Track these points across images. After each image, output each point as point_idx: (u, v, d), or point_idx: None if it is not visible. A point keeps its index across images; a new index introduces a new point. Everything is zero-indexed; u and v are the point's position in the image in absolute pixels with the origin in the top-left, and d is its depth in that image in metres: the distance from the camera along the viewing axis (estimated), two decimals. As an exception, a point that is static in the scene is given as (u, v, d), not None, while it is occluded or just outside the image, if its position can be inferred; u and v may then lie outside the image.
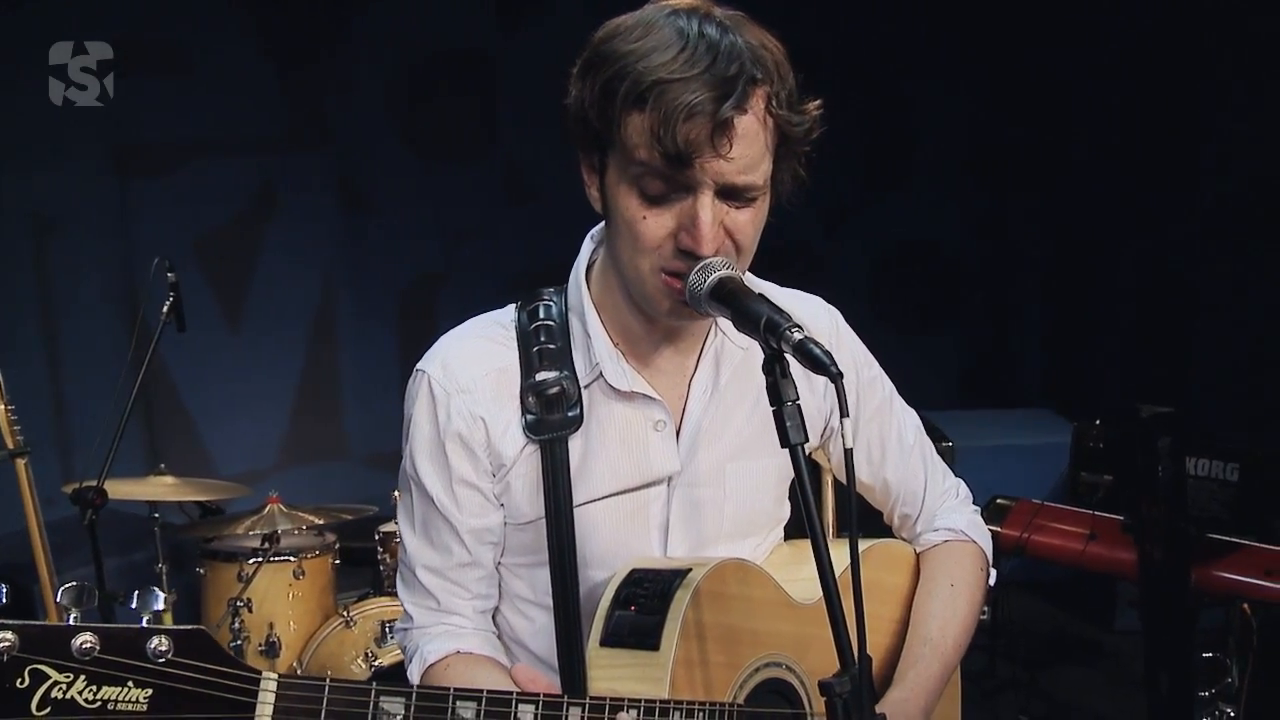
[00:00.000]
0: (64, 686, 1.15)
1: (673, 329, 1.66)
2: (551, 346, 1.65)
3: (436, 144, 5.65)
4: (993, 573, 2.00)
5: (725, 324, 1.70)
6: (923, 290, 6.69)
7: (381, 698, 1.29)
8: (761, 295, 1.44)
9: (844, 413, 1.31)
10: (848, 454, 1.33)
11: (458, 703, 1.34)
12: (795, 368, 1.73)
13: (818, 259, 6.49)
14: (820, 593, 1.73)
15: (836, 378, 1.32)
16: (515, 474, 1.64)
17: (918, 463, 1.94)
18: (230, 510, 4.51)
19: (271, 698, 1.23)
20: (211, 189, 5.25)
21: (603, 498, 1.66)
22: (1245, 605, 3.71)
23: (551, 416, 1.62)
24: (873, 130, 6.44)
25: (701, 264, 1.46)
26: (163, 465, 4.21)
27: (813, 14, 6.19)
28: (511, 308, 1.72)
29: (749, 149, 1.44)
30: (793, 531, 1.99)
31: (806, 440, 1.36)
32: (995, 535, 4.32)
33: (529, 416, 1.62)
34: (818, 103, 1.53)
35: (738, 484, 1.73)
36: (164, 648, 1.18)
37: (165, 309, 3.90)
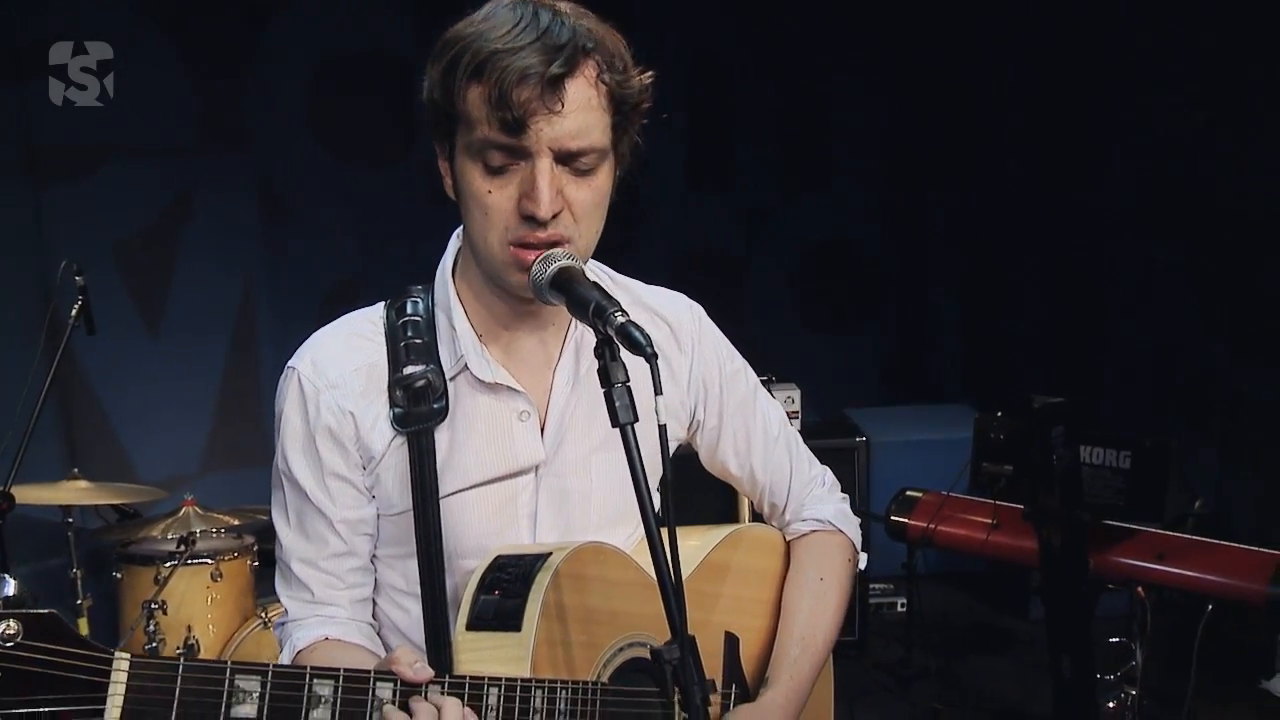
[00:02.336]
0: None
1: (535, 318, 1.71)
2: (418, 341, 1.70)
3: (355, 147, 5.65)
4: (863, 557, 2.07)
5: None
6: (843, 290, 6.79)
7: (237, 676, 1.31)
8: (595, 284, 1.51)
9: (657, 390, 1.39)
10: (662, 430, 1.40)
11: (315, 680, 1.36)
12: (664, 363, 1.82)
13: (739, 261, 6.59)
14: (686, 574, 1.80)
15: (651, 358, 1.39)
16: (385, 466, 1.68)
17: (783, 453, 2.01)
18: (149, 514, 4.49)
19: (124, 677, 1.24)
20: (129, 193, 5.21)
21: (471, 487, 1.70)
22: (1140, 589, 3.83)
23: (418, 409, 1.66)
24: (790, 133, 6.55)
25: (544, 255, 1.53)
26: (76, 470, 4.18)
27: (730, 19, 6.29)
28: (381, 305, 1.77)
29: (581, 112, 1.51)
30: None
31: (635, 420, 1.43)
32: (903, 526, 4.43)
33: (396, 410, 1.67)
34: (649, 73, 1.61)
35: (605, 475, 1.78)
36: (12, 631, 1.19)
37: (74, 312, 3.89)
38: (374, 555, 1.76)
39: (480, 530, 1.71)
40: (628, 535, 1.85)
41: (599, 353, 1.44)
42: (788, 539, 2.01)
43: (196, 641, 3.98)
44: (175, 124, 5.29)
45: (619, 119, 1.58)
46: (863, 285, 6.84)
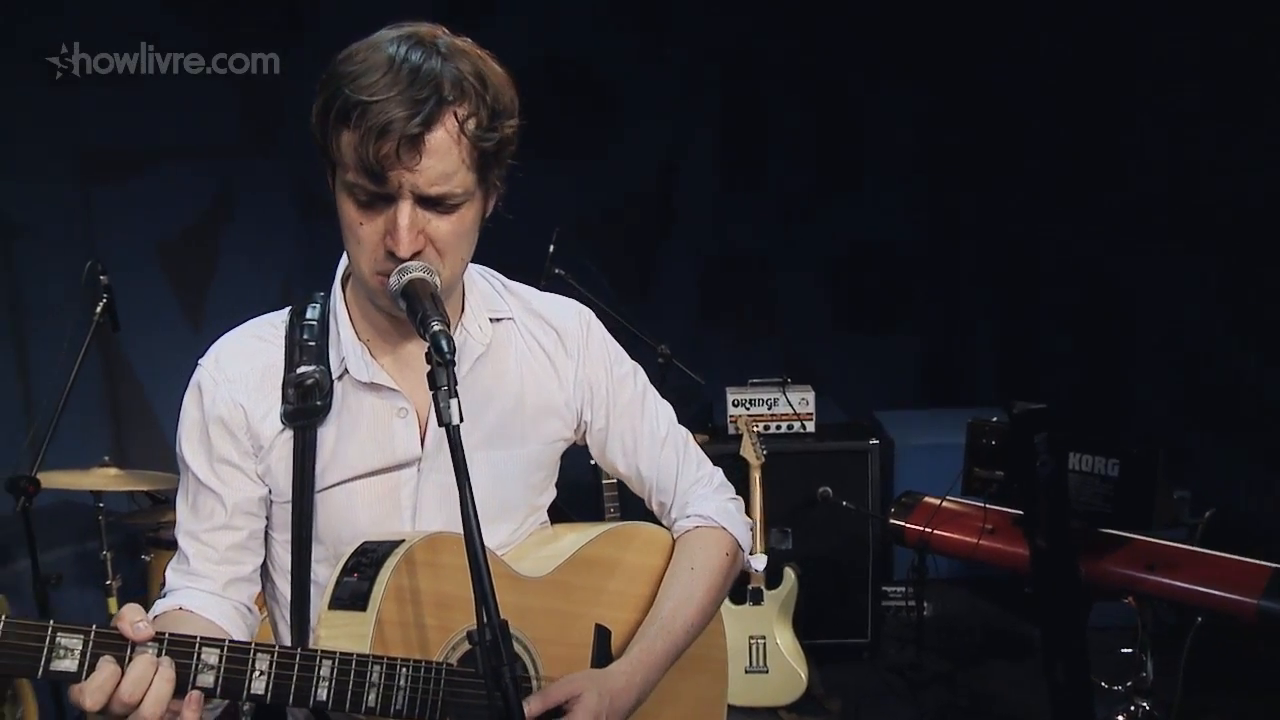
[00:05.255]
0: None
1: (412, 328, 1.81)
2: (311, 343, 1.84)
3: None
4: (757, 557, 2.12)
5: (468, 320, 1.88)
6: (878, 291, 6.75)
7: (59, 634, 1.38)
8: (432, 295, 1.61)
9: (452, 393, 1.50)
10: (455, 429, 1.50)
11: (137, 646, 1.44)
12: (550, 366, 1.96)
13: (774, 264, 6.61)
14: (549, 569, 1.88)
15: (449, 365, 1.51)
16: (275, 457, 1.80)
17: (670, 453, 2.08)
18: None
19: None
20: (172, 194, 5.45)
21: (354, 478, 1.82)
22: (1130, 599, 3.79)
23: (306, 405, 1.79)
24: (823, 134, 6.56)
25: (401, 267, 1.63)
26: (106, 458, 4.38)
27: (765, 21, 6.32)
28: (286, 310, 1.91)
29: (440, 162, 1.60)
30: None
31: (461, 421, 1.51)
32: (901, 530, 4.40)
33: (287, 406, 1.80)
34: (514, 122, 1.68)
35: (486, 472, 1.87)
36: None
37: (98, 310, 4.10)
38: (269, 538, 1.87)
39: (364, 520, 1.82)
40: (511, 530, 1.95)
41: (428, 357, 1.54)
42: (674, 536, 2.08)
43: (213, 623, 4.15)
44: (215, 126, 5.50)
45: (483, 162, 1.66)
46: (896, 287, 6.78)
